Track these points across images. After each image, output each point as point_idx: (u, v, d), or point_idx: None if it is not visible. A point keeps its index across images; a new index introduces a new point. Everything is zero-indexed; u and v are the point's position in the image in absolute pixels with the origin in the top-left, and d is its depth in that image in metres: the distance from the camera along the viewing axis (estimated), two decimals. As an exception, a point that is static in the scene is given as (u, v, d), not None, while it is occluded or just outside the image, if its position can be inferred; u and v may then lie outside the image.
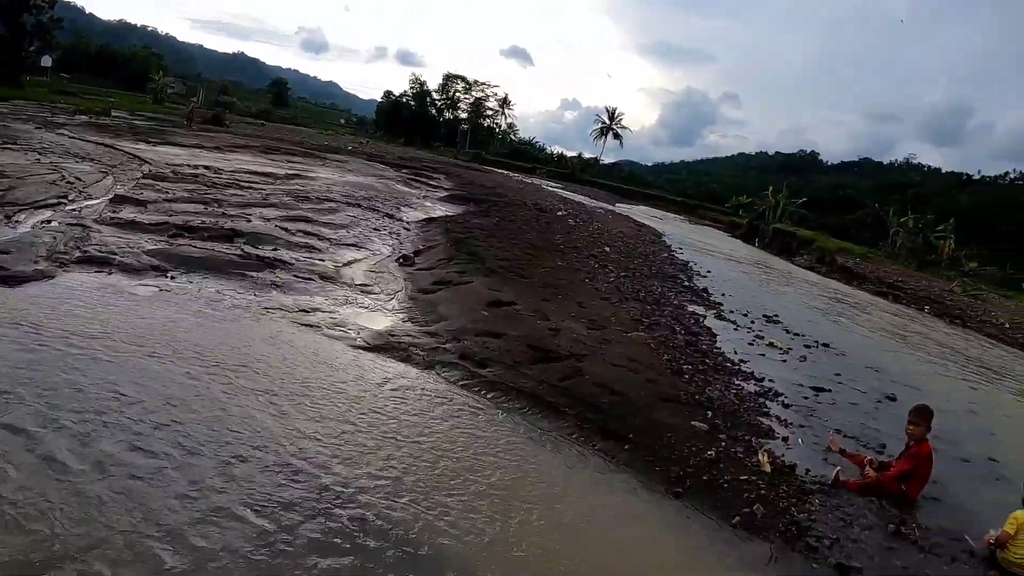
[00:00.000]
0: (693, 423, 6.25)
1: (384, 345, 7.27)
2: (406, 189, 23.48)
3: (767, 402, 7.76)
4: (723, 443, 5.99)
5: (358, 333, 7.54)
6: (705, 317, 12.24)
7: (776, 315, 14.30)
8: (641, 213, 43.75)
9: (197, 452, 4.64)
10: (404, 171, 29.85)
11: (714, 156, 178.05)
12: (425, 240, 13.76)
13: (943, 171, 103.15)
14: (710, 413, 6.60)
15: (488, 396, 6.55)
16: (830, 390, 9.05)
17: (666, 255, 21.24)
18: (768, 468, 5.73)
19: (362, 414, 5.68)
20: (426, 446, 5.33)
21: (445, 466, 5.09)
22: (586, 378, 6.83)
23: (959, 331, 21.04)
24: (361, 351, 7.10)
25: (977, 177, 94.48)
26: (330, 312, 8.11)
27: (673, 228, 36.89)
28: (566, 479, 5.33)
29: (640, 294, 12.37)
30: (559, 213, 23.99)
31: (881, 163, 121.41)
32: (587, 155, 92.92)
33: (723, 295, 15.61)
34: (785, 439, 6.69)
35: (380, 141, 68.34)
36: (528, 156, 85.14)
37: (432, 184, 27.33)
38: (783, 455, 6.14)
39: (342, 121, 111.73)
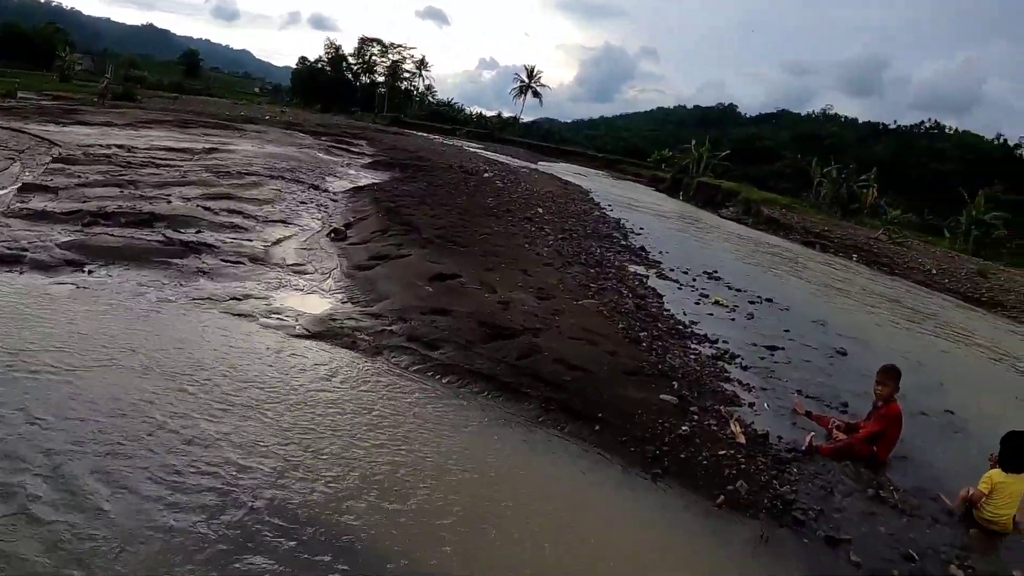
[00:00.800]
0: (661, 396, 5.95)
1: (326, 332, 6.67)
2: (328, 157, 22.37)
3: (726, 366, 7.59)
4: (695, 416, 5.72)
5: (296, 320, 6.88)
6: (648, 277, 12.08)
7: (715, 271, 14.28)
8: (563, 171, 43.40)
9: (126, 483, 3.90)
10: (324, 139, 28.54)
11: (633, 111, 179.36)
12: (355, 211, 13.00)
13: (859, 121, 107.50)
14: (675, 383, 6.32)
15: (444, 381, 6.06)
16: (783, 348, 8.97)
17: (597, 213, 21.06)
18: (742, 439, 5.50)
19: (313, 415, 5.06)
20: (386, 446, 4.79)
21: (408, 467, 4.57)
22: (545, 355, 6.43)
23: (889, 279, 21.73)
24: (302, 339, 6.49)
25: (893, 127, 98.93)
26: (264, 298, 7.42)
27: (598, 185, 36.76)
28: (542, 470, 4.94)
29: (581, 257, 12.03)
30: (486, 175, 23.50)
31: (799, 114, 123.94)
32: (506, 114, 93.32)
33: (660, 252, 15.56)
34: (751, 404, 6.52)
35: (297, 108, 66.08)
36: (447, 117, 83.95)
37: (354, 151, 26.23)
38: (752, 423, 5.95)
39: (257, 90, 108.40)
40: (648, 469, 5.07)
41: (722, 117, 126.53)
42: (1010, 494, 5.14)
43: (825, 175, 45.64)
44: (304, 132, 30.15)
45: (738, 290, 12.74)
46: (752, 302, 11.85)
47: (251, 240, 9.69)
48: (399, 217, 11.99)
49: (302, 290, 8.01)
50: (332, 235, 10.84)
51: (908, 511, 5.17)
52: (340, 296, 7.94)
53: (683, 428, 5.46)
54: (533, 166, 39.88)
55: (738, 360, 7.93)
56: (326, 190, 15.34)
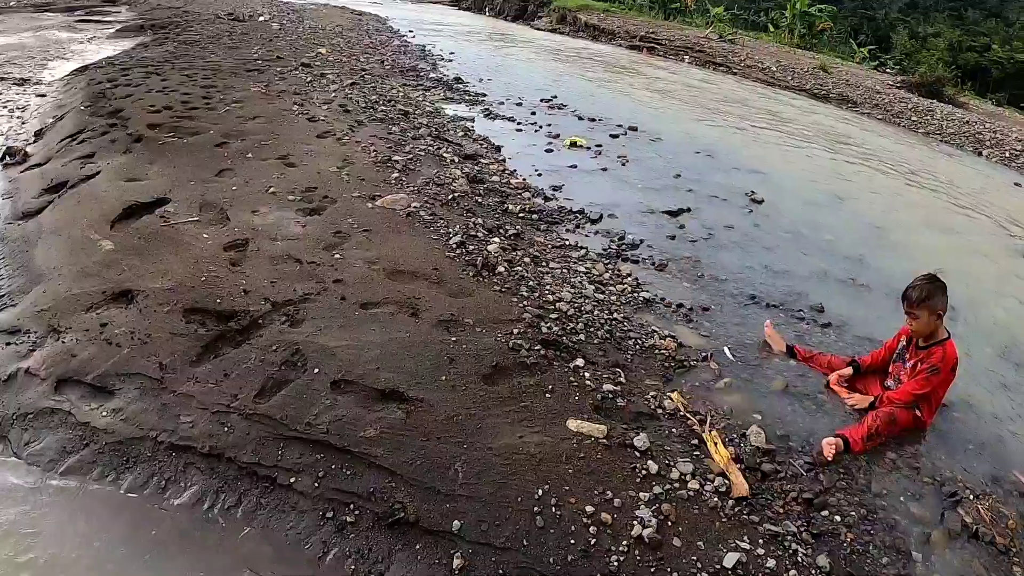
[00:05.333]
0: (570, 425, 3.23)
1: None
2: (68, 35, 16.65)
3: (634, 271, 5.17)
4: (649, 458, 3.13)
5: None
6: (473, 120, 9.38)
7: (554, 96, 11.76)
8: (356, 3, 39.05)
9: None
10: (77, 13, 21.83)
11: None
12: (57, 107, 8.50)
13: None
14: (581, 361, 3.72)
15: (120, 484, 3.00)
16: (688, 208, 6.74)
17: (397, 43, 17.77)
18: (742, 485, 3.05)
19: None
20: None
21: None
22: (317, 372, 3.36)
23: (730, 79, 20.55)
24: None
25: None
26: None
27: (396, 12, 32.65)
28: None
29: (379, 108, 8.85)
30: (261, 19, 19.27)
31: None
32: None
33: (481, 81, 12.81)
34: (705, 359, 4.05)
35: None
36: None
37: (107, 21, 20.25)
38: (730, 415, 3.57)
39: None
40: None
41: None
42: None
43: None
44: (56, 11, 22.97)
45: (591, 120, 10.38)
46: (614, 135, 9.53)
47: None
48: (107, 105, 7.67)
49: None
50: (6, 157, 6.63)
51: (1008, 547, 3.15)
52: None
53: (635, 524, 2.82)
54: (324, 0, 34.84)
55: (644, 253, 5.53)
56: (38, 82, 10.35)
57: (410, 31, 21.45)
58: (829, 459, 3.35)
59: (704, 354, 4.08)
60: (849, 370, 4.00)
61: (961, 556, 3.09)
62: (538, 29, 31.22)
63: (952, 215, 8.81)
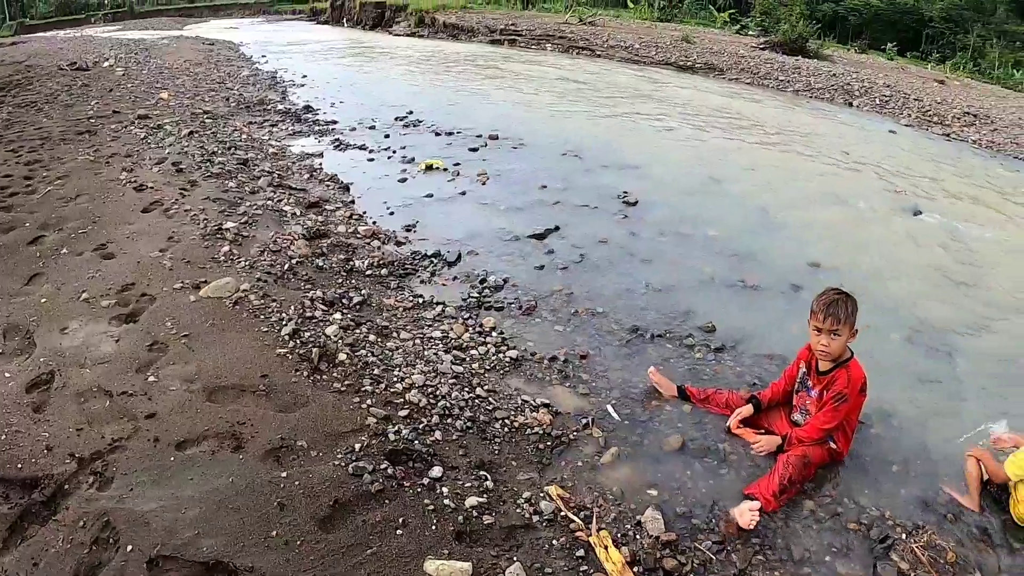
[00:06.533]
0: (435, 567, 2.66)
1: None
2: None
3: (499, 322, 4.66)
4: None
5: None
6: (322, 155, 8.77)
7: (409, 112, 11.23)
8: (214, 28, 38.09)
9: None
10: None
11: None
12: None
13: None
14: (438, 470, 3.16)
15: None
16: (556, 227, 6.31)
17: (247, 72, 16.98)
18: None
19: None
20: None
21: None
22: (134, 552, 2.63)
23: (594, 63, 20.47)
24: None
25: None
26: None
27: (251, 35, 32.32)
28: None
29: (216, 159, 8.05)
30: (106, 63, 18.02)
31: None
32: None
33: (333, 105, 12.21)
34: (587, 425, 3.60)
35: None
36: (79, 7, 71.07)
37: None
38: (620, 499, 3.13)
39: None
40: None
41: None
42: None
43: None
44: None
45: (448, 134, 9.89)
46: (474, 149, 9.05)
47: None
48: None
49: None
50: None
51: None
52: None
53: None
54: (177, 33, 33.74)
55: (510, 295, 5.05)
56: None
57: (263, 56, 20.76)
58: (751, 527, 2.97)
59: (585, 420, 3.61)
60: (750, 408, 3.62)
61: (903, 614, 2.78)
62: (397, 35, 31.04)
63: (835, 179, 8.77)
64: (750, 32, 29.56)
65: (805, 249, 6.32)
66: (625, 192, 7.35)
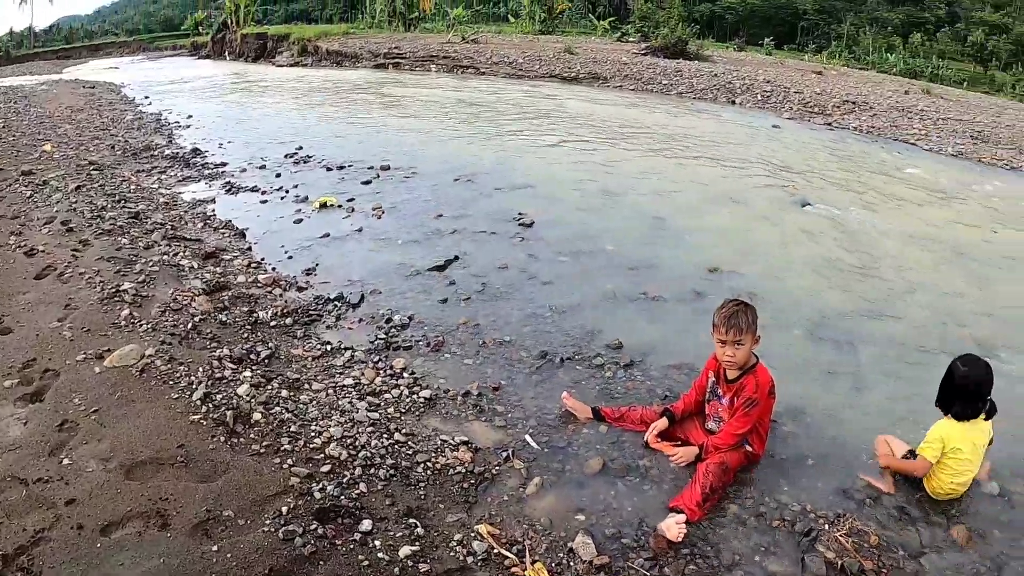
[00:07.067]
0: None
1: None
2: None
3: (409, 361, 4.62)
4: None
5: None
6: (214, 201, 8.56)
7: (299, 148, 11.12)
8: (94, 70, 37.52)
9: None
10: None
11: None
12: None
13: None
14: (368, 523, 3.11)
15: None
16: (456, 257, 6.32)
17: (132, 116, 16.33)
18: None
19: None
20: None
21: None
22: None
23: (480, 81, 20.81)
24: None
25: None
26: None
27: (131, 75, 31.61)
28: None
29: (106, 214, 7.69)
30: None
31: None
32: (18, 29, 79.44)
33: (221, 146, 11.93)
34: (508, 458, 3.62)
35: None
36: None
37: None
38: (550, 528, 3.17)
39: None
40: None
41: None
42: (972, 450, 3.46)
43: None
44: None
45: (340, 167, 9.82)
46: (367, 182, 9.01)
47: None
48: None
49: None
50: None
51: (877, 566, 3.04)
52: None
53: None
54: (56, 76, 32.46)
55: (417, 332, 5.03)
56: None
57: (146, 97, 20.19)
58: (680, 540, 3.06)
59: (505, 453, 3.63)
60: (664, 421, 3.72)
61: (834, 600, 2.93)
62: (280, 66, 31.24)
63: (725, 180, 9.12)
64: (631, 39, 30.52)
65: (703, 254, 6.54)
66: (520, 214, 7.44)
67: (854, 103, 16.50)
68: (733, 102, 16.31)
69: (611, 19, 37.97)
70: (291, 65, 30.53)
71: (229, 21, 46.16)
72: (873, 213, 8.34)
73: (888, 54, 31.59)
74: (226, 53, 41.01)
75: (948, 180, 10.55)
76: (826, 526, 3.23)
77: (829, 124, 14.18)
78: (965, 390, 3.40)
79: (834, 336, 5.11)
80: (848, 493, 3.49)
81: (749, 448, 3.57)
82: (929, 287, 6.23)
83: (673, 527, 3.10)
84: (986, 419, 3.47)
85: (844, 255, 6.81)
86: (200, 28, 57.27)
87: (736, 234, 7.25)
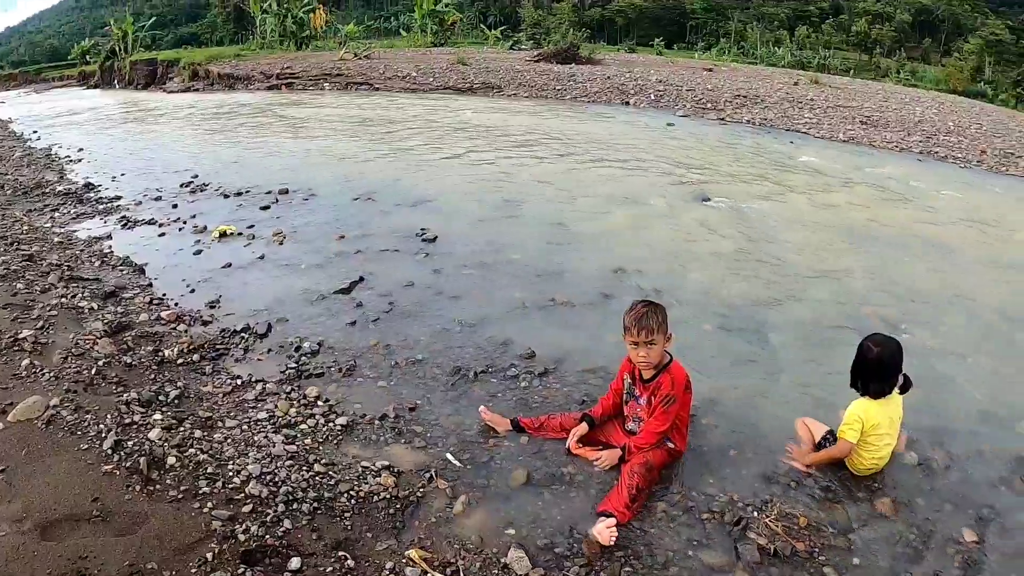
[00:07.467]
0: None
1: None
2: None
3: (323, 389, 4.51)
4: None
5: None
6: (111, 237, 8.18)
7: (194, 176, 10.80)
8: None
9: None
10: None
11: (45, 6, 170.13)
12: None
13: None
14: (297, 561, 3.01)
15: None
16: (361, 278, 6.23)
17: (20, 152, 15.57)
18: None
19: None
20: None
21: None
22: None
23: (375, 97, 20.68)
24: None
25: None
26: None
27: (18, 109, 29.82)
28: None
29: None
30: None
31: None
32: None
33: (114, 179, 11.42)
34: (432, 478, 3.56)
35: None
36: None
37: None
38: (481, 546, 3.14)
39: None
40: None
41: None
42: (890, 424, 3.63)
43: (266, 10, 43.86)
44: None
45: (237, 194, 9.57)
46: (265, 207, 8.82)
47: None
48: None
49: None
50: None
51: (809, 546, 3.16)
52: None
53: None
54: None
55: (328, 359, 4.91)
56: None
57: (34, 132, 19.22)
58: (612, 543, 3.07)
59: (428, 474, 3.57)
60: (584, 427, 3.74)
61: (773, 586, 3.00)
62: (171, 92, 30.37)
63: (624, 181, 9.30)
64: (523, 47, 30.92)
65: (608, 256, 6.65)
66: (423, 229, 7.40)
67: (746, 97, 17.11)
68: (627, 103, 16.68)
69: (503, 28, 38.45)
70: (183, 91, 29.73)
71: (117, 48, 45.00)
72: (771, 203, 8.64)
73: (776, 48, 33.05)
74: (115, 82, 39.95)
75: (842, 165, 11.05)
76: (755, 513, 3.31)
77: (723, 119, 14.66)
78: (879, 369, 3.55)
79: (743, 326, 5.27)
80: (773, 479, 3.58)
81: (671, 445, 3.62)
82: (831, 270, 6.51)
83: (604, 531, 3.11)
84: (901, 393, 3.62)
85: (746, 245, 7.03)
86: (88, 57, 55.56)
87: (639, 233, 7.41)
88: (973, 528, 3.32)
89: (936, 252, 7.47)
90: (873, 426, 3.51)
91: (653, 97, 17.41)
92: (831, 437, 3.65)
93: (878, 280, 6.36)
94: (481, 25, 40.45)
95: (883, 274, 6.52)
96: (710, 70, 24.17)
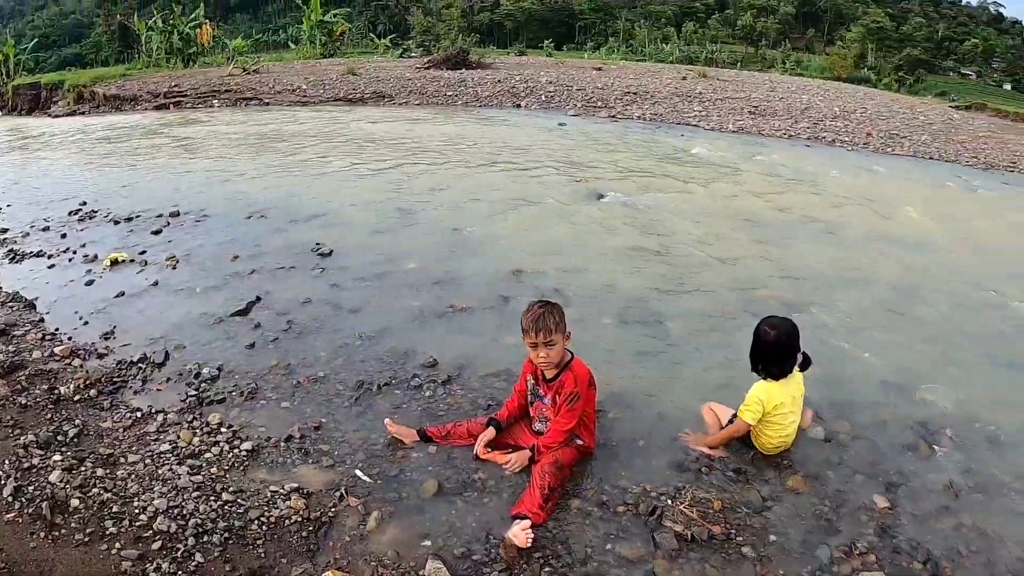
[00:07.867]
0: None
1: None
2: None
3: (225, 415, 4.35)
4: None
5: None
6: None
7: (82, 203, 10.18)
8: None
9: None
10: None
11: None
12: None
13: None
14: None
15: None
16: (258, 298, 6.05)
17: None
18: None
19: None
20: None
21: None
22: None
23: (265, 112, 20.18)
24: None
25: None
26: None
27: None
28: None
29: None
30: None
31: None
32: None
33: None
34: (342, 497, 3.49)
35: None
36: None
37: None
38: (399, 560, 3.09)
39: None
40: None
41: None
42: (792, 403, 3.76)
43: (152, 27, 42.54)
44: None
45: (128, 219, 9.12)
46: (157, 231, 8.45)
47: None
48: None
49: None
50: None
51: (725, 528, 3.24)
52: None
53: None
54: None
55: (228, 384, 4.76)
56: None
57: None
58: (529, 545, 3.07)
59: (338, 492, 3.50)
60: (491, 431, 3.73)
61: (692, 571, 3.03)
62: (56, 116, 28.52)
63: (518, 183, 9.37)
64: (412, 54, 30.82)
65: (505, 259, 6.70)
66: (318, 244, 7.28)
67: (636, 94, 17.50)
68: (518, 106, 16.82)
69: (393, 36, 38.26)
70: (68, 115, 27.99)
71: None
72: (665, 195, 8.85)
73: (664, 45, 33.96)
74: (-2, 109, 37.93)
75: (732, 155, 11.41)
76: (669, 501, 3.37)
77: (614, 116, 14.94)
78: (776, 351, 3.66)
79: (643, 318, 5.39)
80: (683, 466, 3.67)
81: (580, 442, 3.66)
82: (726, 257, 6.73)
83: (520, 534, 3.10)
84: (801, 371, 3.74)
85: (642, 239, 7.19)
86: (-34, 83, 52.74)
87: (535, 234, 7.48)
88: (884, 495, 3.48)
89: (827, 233, 7.84)
90: (776, 406, 3.63)
91: (544, 98, 17.61)
92: (735, 420, 3.75)
93: (773, 264, 6.62)
94: (371, 34, 40.10)
95: (777, 258, 6.78)
96: (599, 69, 24.60)
